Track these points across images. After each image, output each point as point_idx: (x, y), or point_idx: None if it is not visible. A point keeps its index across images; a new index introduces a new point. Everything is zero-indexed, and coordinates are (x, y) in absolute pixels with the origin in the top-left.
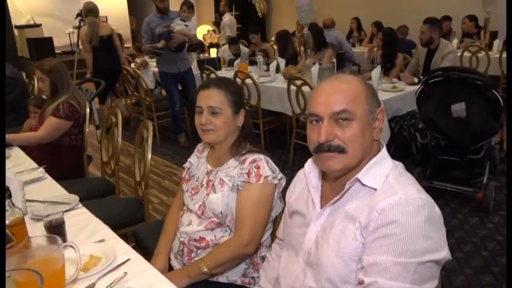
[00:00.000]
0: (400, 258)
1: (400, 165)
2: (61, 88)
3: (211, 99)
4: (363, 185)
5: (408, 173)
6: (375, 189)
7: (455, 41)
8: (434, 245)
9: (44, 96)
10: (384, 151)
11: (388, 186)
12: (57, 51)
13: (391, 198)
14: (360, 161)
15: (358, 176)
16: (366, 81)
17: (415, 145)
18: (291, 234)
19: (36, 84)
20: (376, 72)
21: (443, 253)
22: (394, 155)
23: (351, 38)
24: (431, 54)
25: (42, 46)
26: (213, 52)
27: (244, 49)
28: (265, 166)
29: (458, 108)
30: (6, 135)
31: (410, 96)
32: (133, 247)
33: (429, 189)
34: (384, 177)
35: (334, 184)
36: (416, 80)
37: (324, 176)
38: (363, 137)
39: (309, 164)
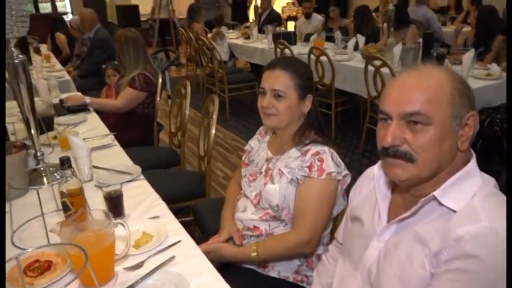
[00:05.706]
0: None
1: (491, 183)
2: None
3: (275, 81)
4: (440, 204)
5: (501, 194)
6: (454, 211)
7: None
8: None
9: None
10: (472, 164)
11: (470, 209)
12: (142, 18)
13: (472, 226)
14: (433, 173)
15: (436, 193)
16: (456, 77)
17: (507, 142)
18: (351, 243)
19: None
20: (469, 56)
21: None
22: (481, 151)
23: (443, 16)
24: None
25: (129, 13)
26: (291, 26)
27: (317, 16)
28: (329, 160)
29: None
30: (89, 98)
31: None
32: (191, 221)
33: None
34: (469, 198)
35: (406, 195)
36: None
37: (394, 182)
38: (439, 146)
39: (380, 165)
